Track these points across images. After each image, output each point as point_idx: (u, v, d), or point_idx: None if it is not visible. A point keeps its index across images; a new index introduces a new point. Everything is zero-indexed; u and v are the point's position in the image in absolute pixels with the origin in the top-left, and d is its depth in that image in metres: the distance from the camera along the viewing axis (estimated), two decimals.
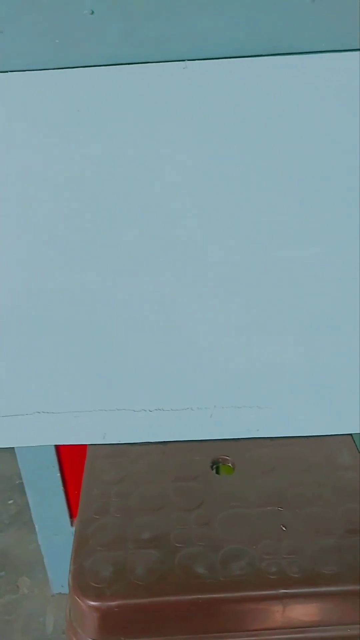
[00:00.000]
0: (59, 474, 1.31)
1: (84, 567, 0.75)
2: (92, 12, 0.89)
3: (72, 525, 1.38)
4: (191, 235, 0.93)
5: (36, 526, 1.39)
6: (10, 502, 1.79)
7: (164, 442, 0.94)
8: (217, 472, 0.91)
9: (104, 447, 0.95)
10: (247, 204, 0.93)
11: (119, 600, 0.71)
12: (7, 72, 0.93)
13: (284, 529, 0.78)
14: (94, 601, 0.71)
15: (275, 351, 0.95)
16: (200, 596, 0.71)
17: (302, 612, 0.72)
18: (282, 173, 0.92)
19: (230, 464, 0.90)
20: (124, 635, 0.73)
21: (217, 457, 0.91)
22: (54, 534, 1.39)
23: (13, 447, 1.06)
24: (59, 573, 1.47)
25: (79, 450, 1.25)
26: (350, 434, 0.97)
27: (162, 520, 0.81)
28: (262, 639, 0.73)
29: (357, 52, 0.88)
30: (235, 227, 0.93)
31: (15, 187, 0.94)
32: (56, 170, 0.94)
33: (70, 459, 1.30)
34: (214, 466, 0.90)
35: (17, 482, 1.86)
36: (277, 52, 0.90)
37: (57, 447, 1.26)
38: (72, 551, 0.79)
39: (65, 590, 1.49)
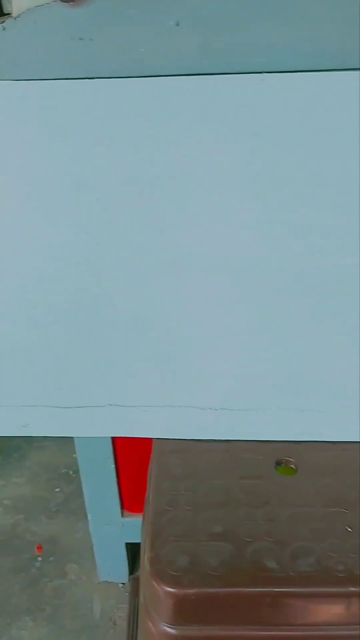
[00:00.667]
0: (113, 466, 1.35)
1: (160, 555, 0.79)
2: (178, 24, 0.93)
3: (122, 516, 1.43)
4: (254, 237, 0.96)
5: (88, 515, 1.44)
6: (57, 490, 1.85)
7: (228, 440, 0.97)
8: (279, 472, 0.94)
9: (170, 443, 0.99)
10: (310, 214, 0.96)
11: (195, 589, 0.75)
12: (94, 78, 0.97)
13: (349, 529, 0.81)
14: (171, 587, 0.75)
15: (339, 355, 0.98)
16: (272, 589, 0.74)
17: None
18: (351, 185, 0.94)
19: (292, 466, 0.93)
20: (197, 621, 0.76)
21: (280, 458, 0.94)
22: (105, 523, 1.44)
23: (58, 438, 1.09)
24: (107, 562, 1.52)
25: (133, 445, 1.29)
26: None
27: (230, 515, 0.84)
28: (327, 633, 0.76)
29: None
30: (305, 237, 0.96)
31: (88, 186, 0.98)
32: (129, 172, 0.98)
33: (124, 453, 1.35)
34: (277, 466, 0.93)
35: (62, 471, 1.91)
36: (355, 67, 0.92)
37: (113, 440, 1.31)
38: (147, 540, 0.83)
39: (112, 579, 1.54)
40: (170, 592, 0.74)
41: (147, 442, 1.05)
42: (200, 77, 0.95)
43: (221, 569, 0.77)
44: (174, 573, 0.76)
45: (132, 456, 1.35)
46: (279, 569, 0.76)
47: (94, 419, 0.99)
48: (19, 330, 1.01)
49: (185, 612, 0.75)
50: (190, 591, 0.74)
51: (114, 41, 0.94)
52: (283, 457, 0.95)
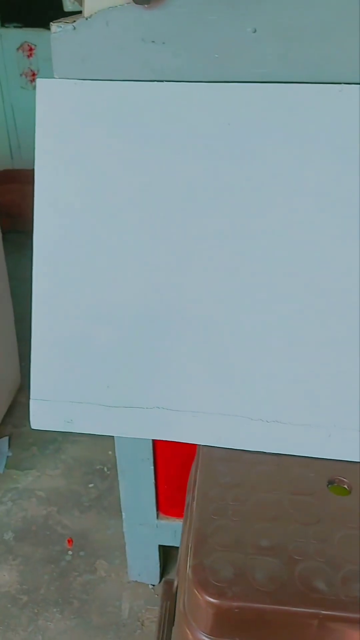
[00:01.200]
0: (152, 467, 1.35)
1: (204, 564, 0.78)
2: (255, 31, 0.92)
3: (157, 518, 1.43)
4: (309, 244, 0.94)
5: (123, 514, 1.44)
6: (91, 485, 1.86)
7: (278, 454, 0.96)
8: (330, 489, 0.92)
9: (218, 450, 0.98)
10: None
11: (239, 602, 0.74)
12: (164, 81, 0.97)
13: None
14: (214, 598, 0.74)
15: None
16: (320, 611, 0.73)
17: None
18: None
19: (346, 486, 0.91)
20: (239, 636, 0.75)
21: (333, 477, 0.92)
22: (140, 523, 1.44)
23: (93, 434, 1.08)
24: (138, 562, 1.52)
25: (174, 448, 1.29)
26: None
27: (280, 531, 0.83)
28: None
29: None
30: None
31: (153, 189, 0.98)
32: (195, 177, 0.97)
33: (165, 455, 1.34)
34: (329, 485, 0.91)
35: (97, 467, 1.93)
36: None
37: (154, 442, 1.31)
38: (191, 546, 0.82)
39: (142, 579, 1.54)
40: (212, 603, 0.73)
41: (189, 447, 1.04)
42: (276, 85, 0.94)
43: (268, 584, 0.75)
44: (217, 584, 0.75)
45: (172, 459, 1.34)
46: (329, 591, 0.75)
47: (139, 420, 0.99)
48: (70, 326, 1.01)
49: (227, 624, 0.74)
50: (234, 604, 0.73)
51: (188, 45, 0.94)
52: (336, 476, 0.93)
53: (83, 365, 1.01)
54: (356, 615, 0.72)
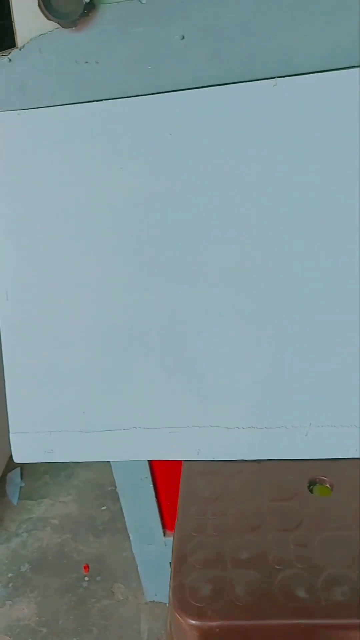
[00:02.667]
0: (151, 485, 1.33)
1: (184, 584, 0.76)
2: (183, 37, 0.91)
3: (165, 535, 1.41)
4: (286, 252, 0.92)
5: (130, 536, 1.42)
6: (104, 508, 1.85)
7: (258, 460, 0.94)
8: (312, 492, 0.89)
9: (198, 464, 0.96)
10: (331, 219, 0.91)
11: (219, 621, 0.72)
12: (102, 100, 0.97)
13: None
14: (195, 620, 0.72)
15: None
16: (302, 621, 0.70)
17: None
18: None
19: (327, 485, 0.88)
20: None
21: (314, 477, 0.89)
22: (148, 543, 1.42)
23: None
24: (152, 581, 1.50)
25: (172, 464, 1.27)
26: None
27: (259, 540, 0.80)
28: None
29: None
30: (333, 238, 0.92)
31: (109, 208, 0.98)
32: (149, 191, 0.97)
33: (163, 472, 1.33)
34: (311, 486, 0.89)
35: (109, 489, 1.92)
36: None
37: (150, 460, 1.29)
38: (172, 567, 0.81)
39: (159, 598, 1.52)
40: (193, 625, 0.71)
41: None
42: (211, 89, 0.93)
43: (247, 598, 0.73)
44: (197, 604, 0.73)
45: (171, 475, 1.33)
46: (310, 598, 0.72)
47: (118, 442, 0.98)
48: (40, 355, 1.01)
49: None
50: (214, 624, 0.71)
51: (120, 61, 0.94)
52: (317, 476, 0.90)
53: (57, 393, 1.01)
54: (337, 621, 0.69)
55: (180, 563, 0.79)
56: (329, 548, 0.78)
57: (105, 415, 1.00)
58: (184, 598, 0.75)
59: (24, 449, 1.03)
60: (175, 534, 0.86)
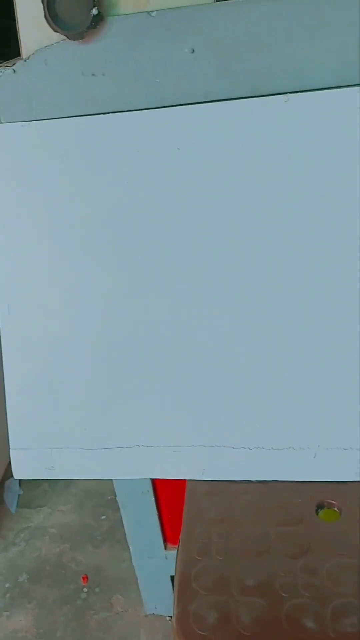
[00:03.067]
0: (153, 499, 1.32)
1: (188, 611, 0.75)
2: (193, 51, 0.90)
3: (165, 549, 1.39)
4: (294, 271, 0.91)
5: (131, 548, 1.41)
6: (103, 517, 1.83)
7: (265, 481, 0.92)
8: (319, 516, 0.88)
9: (203, 483, 0.95)
10: (341, 236, 0.90)
11: None
12: (109, 113, 0.95)
13: None
14: None
15: None
16: None
17: None
18: None
19: (336, 509, 0.87)
20: None
21: (322, 500, 0.88)
22: (148, 557, 1.41)
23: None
24: (152, 594, 1.49)
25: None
26: None
27: (266, 566, 0.79)
28: None
29: None
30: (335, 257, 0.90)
31: (114, 222, 0.96)
32: (155, 205, 0.95)
33: (165, 485, 1.31)
34: (318, 510, 0.87)
35: (109, 497, 1.90)
36: None
37: None
38: (175, 591, 0.79)
39: (159, 611, 1.51)
40: None
41: None
42: (221, 103, 0.91)
43: (254, 627, 0.72)
44: (201, 632, 0.71)
45: (173, 489, 1.31)
46: (318, 629, 0.71)
47: (120, 460, 0.96)
48: (43, 372, 0.99)
49: None
50: None
51: (128, 74, 0.92)
52: (325, 499, 0.88)
53: (58, 409, 0.99)
54: None
55: (184, 588, 0.78)
56: (337, 576, 0.76)
57: (107, 433, 0.98)
58: (188, 626, 0.73)
59: (25, 465, 1.02)
60: (178, 556, 0.84)
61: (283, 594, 0.75)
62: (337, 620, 0.71)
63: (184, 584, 0.78)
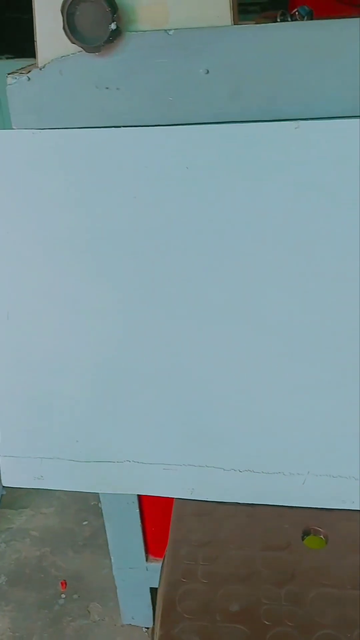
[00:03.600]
0: (137, 510, 1.32)
1: (171, 635, 0.75)
2: (207, 72, 0.90)
3: (147, 560, 1.39)
4: (290, 296, 0.91)
5: (112, 558, 1.41)
6: (85, 523, 1.83)
7: (252, 504, 0.92)
8: (305, 542, 0.88)
9: (191, 504, 0.95)
10: (344, 261, 0.91)
11: None
12: (120, 127, 0.95)
13: None
14: None
15: None
16: None
17: None
18: None
19: (322, 536, 0.87)
20: None
21: (308, 526, 0.88)
22: (129, 567, 1.41)
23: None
24: (130, 604, 1.48)
25: None
26: None
27: (250, 593, 0.79)
28: None
29: None
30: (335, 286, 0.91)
31: (118, 236, 0.96)
32: (160, 222, 0.95)
33: (150, 497, 1.31)
34: (305, 536, 0.88)
35: (92, 503, 1.89)
36: None
37: None
38: (159, 613, 0.79)
39: (136, 622, 1.50)
40: None
41: None
42: (233, 125, 0.91)
43: None
44: None
45: (157, 501, 1.31)
46: None
47: (110, 474, 0.96)
48: (38, 382, 0.99)
49: None
50: None
51: (142, 90, 0.92)
52: (312, 526, 0.89)
53: (51, 420, 0.99)
54: None
55: (168, 610, 0.78)
56: (321, 606, 0.77)
57: (98, 446, 0.98)
58: None
59: (14, 473, 1.01)
60: (163, 576, 0.85)
61: (266, 622, 0.75)
62: None
63: (168, 606, 0.78)
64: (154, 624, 1.47)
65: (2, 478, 1.02)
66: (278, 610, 0.76)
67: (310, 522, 0.89)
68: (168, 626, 0.75)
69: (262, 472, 0.92)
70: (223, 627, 0.75)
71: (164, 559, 0.96)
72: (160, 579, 0.96)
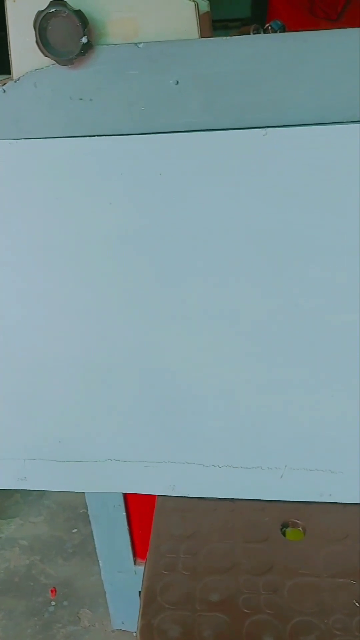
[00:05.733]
0: (124, 514, 1.33)
1: (152, 625, 0.77)
2: (177, 83, 0.94)
3: (135, 563, 1.40)
4: (271, 298, 0.94)
5: (100, 562, 1.42)
6: (75, 531, 1.83)
7: (233, 499, 0.95)
8: (285, 535, 0.90)
9: (172, 500, 0.97)
10: (317, 267, 0.94)
11: None
12: (94, 136, 0.98)
13: (357, 605, 0.77)
14: None
15: (349, 414, 0.95)
16: None
17: None
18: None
19: (300, 528, 0.89)
20: None
21: (287, 519, 0.91)
22: (118, 571, 1.42)
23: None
24: (120, 609, 1.49)
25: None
26: None
27: (230, 583, 0.81)
28: None
29: None
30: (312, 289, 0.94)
31: (95, 241, 0.99)
32: (136, 227, 0.98)
33: (137, 501, 1.33)
34: (283, 529, 0.90)
35: (81, 511, 1.90)
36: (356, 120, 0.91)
37: None
38: (141, 605, 0.81)
39: (126, 627, 1.51)
40: None
41: None
42: (202, 133, 0.95)
43: None
44: None
45: (144, 504, 1.33)
46: None
47: (92, 473, 0.98)
48: (19, 383, 1.01)
49: None
50: None
51: (114, 100, 0.95)
52: (290, 518, 0.91)
53: (34, 421, 1.00)
54: None
55: (149, 601, 0.80)
56: (298, 595, 0.79)
57: (80, 446, 1.00)
58: (151, 639, 0.75)
59: None
60: (145, 570, 0.86)
61: (245, 610, 0.77)
62: (295, 638, 0.74)
63: (149, 598, 0.80)
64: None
65: None
66: (257, 599, 0.79)
67: (289, 515, 0.92)
68: (149, 616, 0.77)
69: (241, 467, 0.94)
70: (203, 616, 0.77)
71: (147, 555, 0.97)
72: (143, 575, 0.98)
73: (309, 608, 0.77)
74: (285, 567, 0.83)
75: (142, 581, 0.94)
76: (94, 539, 1.77)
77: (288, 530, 0.89)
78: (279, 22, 1.07)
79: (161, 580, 0.82)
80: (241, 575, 0.82)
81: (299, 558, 0.84)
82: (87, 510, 1.87)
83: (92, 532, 1.80)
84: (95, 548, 1.73)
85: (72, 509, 1.91)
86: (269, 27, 1.07)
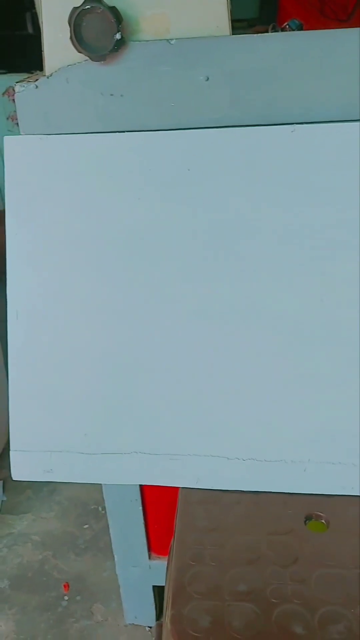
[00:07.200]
0: (141, 508, 1.34)
1: (182, 614, 0.78)
2: (207, 79, 0.95)
3: (150, 558, 1.41)
4: (292, 291, 0.95)
5: (115, 556, 1.42)
6: (86, 526, 1.84)
7: (256, 492, 0.96)
8: (308, 527, 0.91)
9: (196, 492, 0.98)
10: (343, 263, 0.95)
11: None
12: (124, 132, 1.00)
13: None
14: None
15: None
16: None
17: None
18: None
19: (323, 521, 0.90)
20: None
21: (311, 512, 0.91)
22: (132, 565, 1.42)
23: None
24: (133, 604, 1.50)
25: (161, 487, 1.28)
26: None
27: (257, 574, 0.82)
28: None
29: None
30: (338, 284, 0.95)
31: (123, 236, 1.00)
32: (164, 222, 0.99)
33: (153, 495, 1.33)
34: (307, 521, 0.91)
35: (92, 507, 1.91)
36: None
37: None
38: (169, 595, 0.82)
39: (139, 621, 1.52)
40: None
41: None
42: (230, 129, 0.96)
43: (245, 632, 0.75)
44: (195, 634, 0.74)
45: (160, 499, 1.34)
46: (307, 635, 0.74)
47: (119, 466, 0.99)
48: (45, 376, 1.02)
49: None
50: None
51: (144, 96, 0.97)
52: (314, 511, 0.92)
53: (60, 414, 1.02)
54: None
55: (179, 592, 0.81)
56: (325, 585, 0.80)
57: (106, 439, 1.01)
58: (182, 628, 0.76)
59: (24, 467, 1.04)
60: (173, 561, 0.87)
61: (273, 600, 0.78)
62: (324, 627, 0.75)
63: (178, 588, 0.81)
64: (157, 620, 1.49)
65: (12, 472, 1.04)
66: (284, 590, 0.79)
67: (312, 508, 0.92)
68: (179, 606, 0.78)
69: (265, 461, 0.95)
70: (232, 605, 0.78)
71: (171, 548, 0.98)
72: (167, 568, 0.99)
73: (336, 598, 0.78)
74: (311, 559, 0.84)
75: (167, 572, 0.95)
76: (105, 535, 1.78)
77: (311, 523, 0.90)
78: (296, 21, 1.08)
79: (189, 571, 0.83)
80: (268, 566, 0.83)
81: (323, 550, 0.85)
82: (98, 506, 1.89)
83: (103, 528, 1.82)
84: (106, 544, 1.75)
85: (83, 505, 1.92)
86: (287, 26, 1.08)
